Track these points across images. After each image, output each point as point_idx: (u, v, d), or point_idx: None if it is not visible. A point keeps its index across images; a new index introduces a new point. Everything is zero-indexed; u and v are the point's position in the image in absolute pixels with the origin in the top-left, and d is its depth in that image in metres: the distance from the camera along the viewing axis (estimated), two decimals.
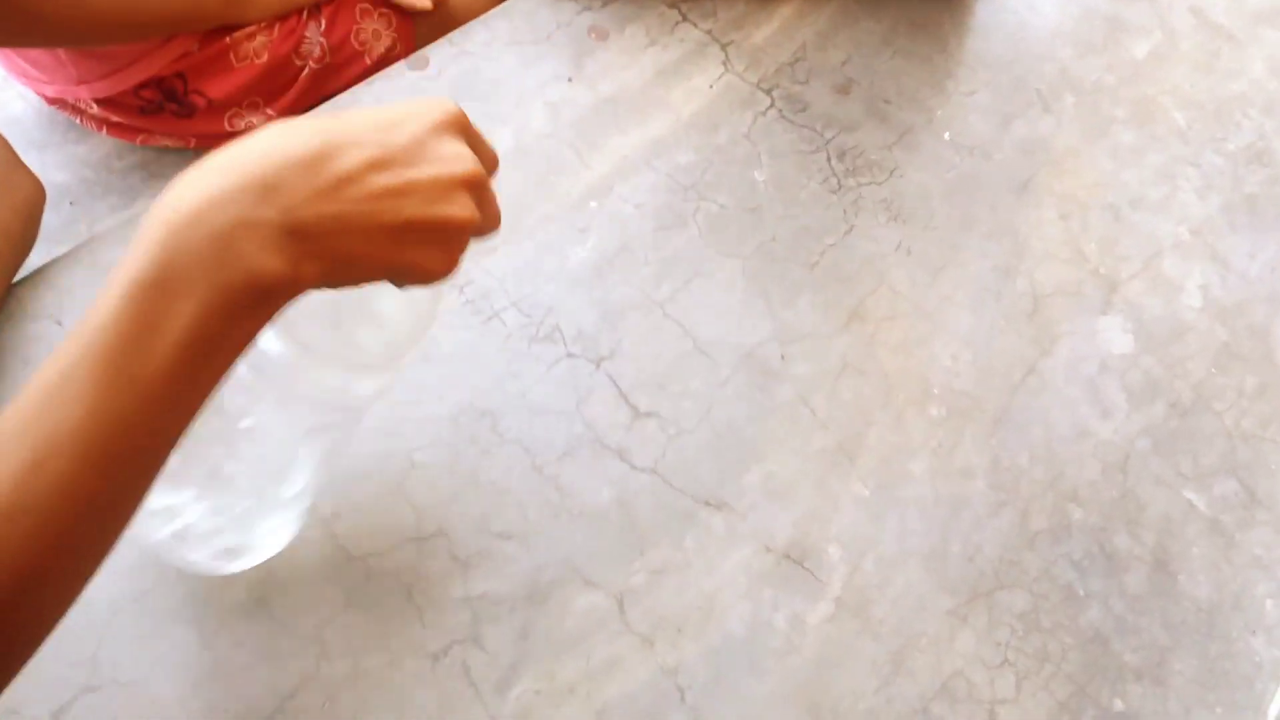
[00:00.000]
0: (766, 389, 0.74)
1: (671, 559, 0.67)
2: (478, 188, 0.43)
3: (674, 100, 0.87)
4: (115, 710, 0.59)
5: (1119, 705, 0.67)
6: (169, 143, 0.97)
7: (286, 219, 0.36)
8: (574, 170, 0.82)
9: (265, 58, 0.91)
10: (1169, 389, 0.79)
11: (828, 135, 0.87)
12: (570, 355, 0.73)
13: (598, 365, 0.73)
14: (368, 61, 0.97)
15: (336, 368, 0.52)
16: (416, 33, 0.99)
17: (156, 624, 0.61)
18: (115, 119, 0.93)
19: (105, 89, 0.88)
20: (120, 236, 0.74)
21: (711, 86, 0.88)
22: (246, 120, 0.94)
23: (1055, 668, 0.67)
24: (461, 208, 0.41)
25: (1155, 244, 0.85)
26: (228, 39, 0.89)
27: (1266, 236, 0.87)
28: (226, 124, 0.94)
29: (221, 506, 0.56)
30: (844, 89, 0.89)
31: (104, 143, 0.99)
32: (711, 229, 0.80)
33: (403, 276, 0.42)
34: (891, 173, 0.85)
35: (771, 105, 0.88)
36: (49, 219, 0.77)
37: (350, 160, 0.38)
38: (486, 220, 0.44)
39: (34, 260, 0.75)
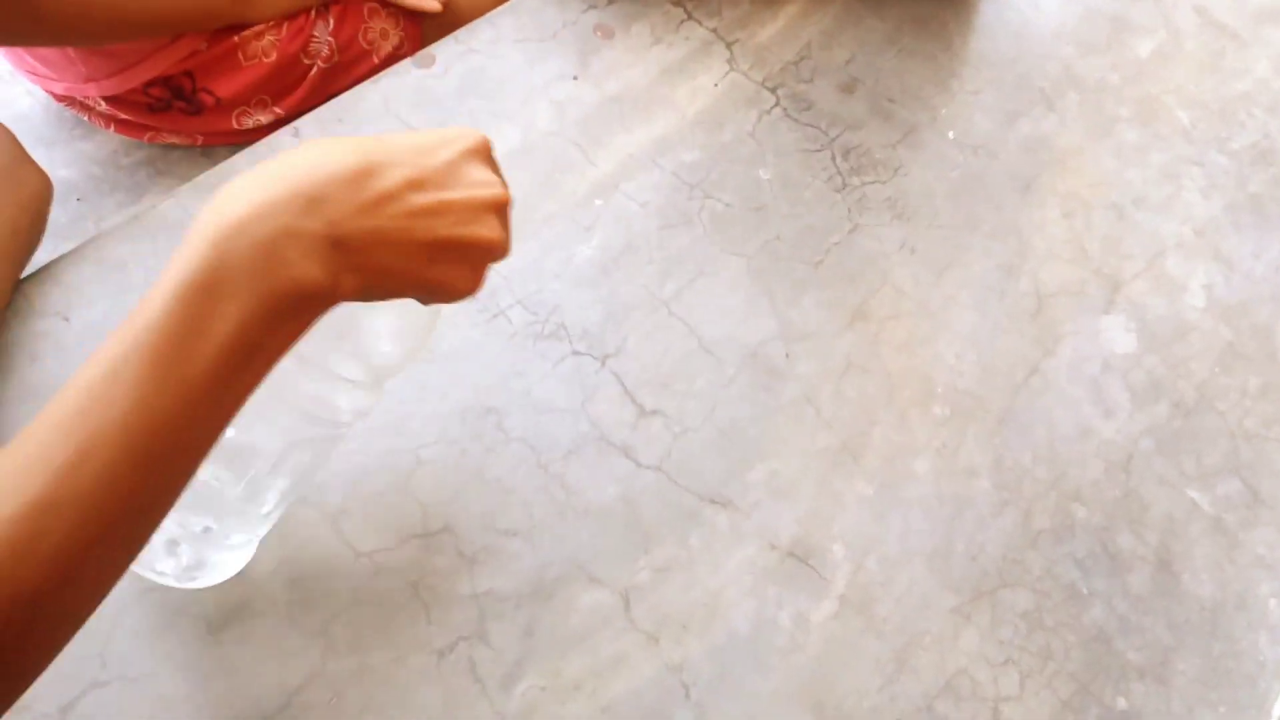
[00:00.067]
0: (771, 387, 0.74)
1: (676, 557, 0.68)
2: (503, 212, 0.45)
3: (679, 99, 0.87)
4: (123, 705, 0.59)
5: (1122, 704, 0.67)
6: (176, 140, 0.97)
7: (330, 231, 0.38)
8: (579, 168, 0.82)
9: (273, 56, 0.91)
10: (1172, 389, 0.79)
11: (832, 134, 0.87)
12: (575, 353, 0.74)
13: (603, 363, 0.73)
14: (375, 60, 0.97)
15: (329, 381, 0.53)
16: (424, 31, 0.99)
17: (164, 620, 0.62)
18: (123, 116, 0.93)
19: (114, 87, 0.88)
20: (128, 233, 0.74)
21: (716, 85, 0.88)
22: (254, 118, 0.95)
23: (1059, 666, 0.67)
24: (490, 229, 0.44)
25: (1159, 243, 0.86)
26: (236, 38, 0.89)
27: (1270, 236, 0.87)
28: (234, 122, 0.94)
29: (194, 520, 0.57)
30: (848, 88, 0.90)
31: (111, 139, 0.99)
32: (716, 227, 0.80)
33: (432, 293, 0.43)
34: (896, 171, 0.85)
35: (776, 104, 0.88)
36: (56, 215, 0.78)
37: (391, 179, 0.40)
38: (501, 250, 0.47)
39: (41, 257, 0.75)
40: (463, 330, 0.73)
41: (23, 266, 0.73)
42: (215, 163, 0.80)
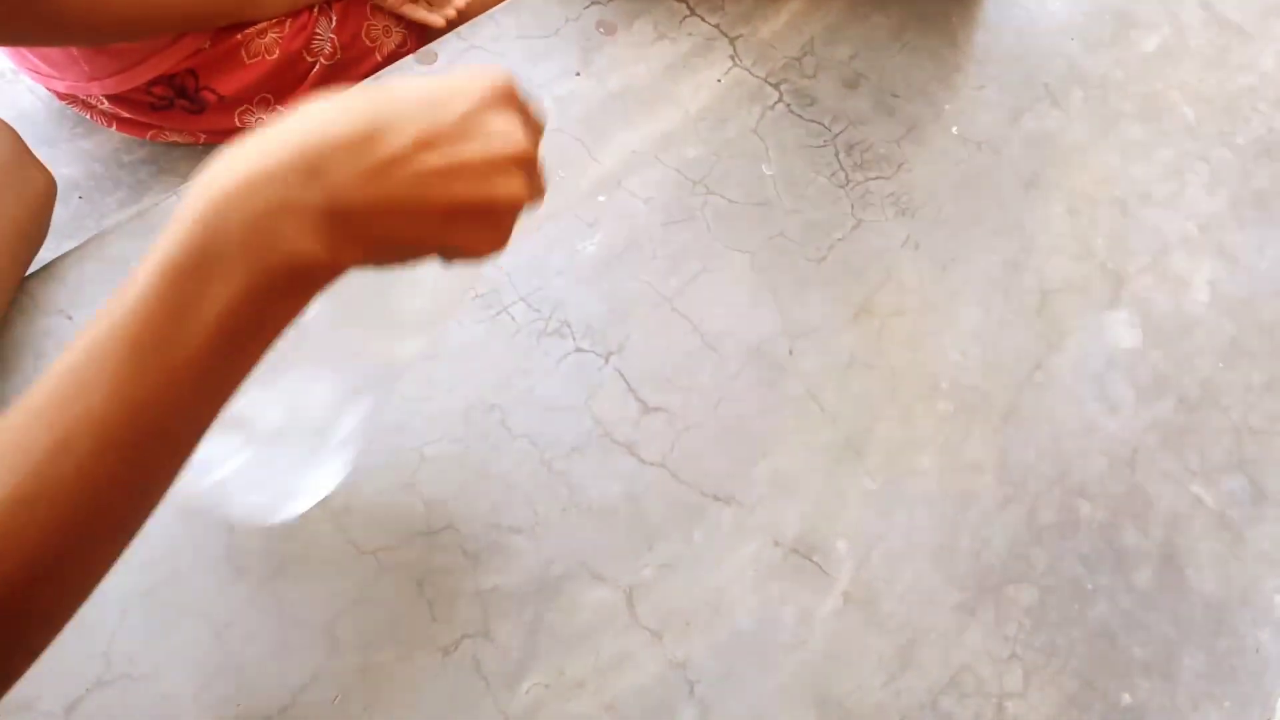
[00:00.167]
0: (775, 383, 0.74)
1: (680, 553, 0.67)
2: (527, 164, 0.41)
3: (682, 95, 0.87)
4: (128, 704, 0.59)
5: (1127, 699, 0.67)
6: (178, 138, 0.97)
7: (330, 203, 0.35)
8: (582, 164, 0.82)
9: (276, 54, 0.91)
10: (1177, 384, 0.79)
11: (836, 129, 0.86)
12: (579, 350, 0.74)
13: (606, 360, 0.73)
14: (378, 58, 0.97)
15: (377, 330, 0.51)
16: (426, 29, 0.99)
17: (169, 618, 0.62)
18: (125, 115, 0.93)
19: (117, 85, 0.88)
20: (130, 231, 0.74)
21: (720, 81, 0.88)
22: (257, 117, 0.95)
23: (1063, 662, 0.67)
24: (512, 186, 0.40)
25: (1163, 239, 0.85)
26: (239, 36, 0.89)
27: (1275, 231, 0.87)
28: (237, 120, 0.94)
29: (266, 456, 0.56)
30: (852, 83, 0.89)
31: (113, 137, 1.00)
32: (720, 223, 0.80)
33: (452, 256, 0.40)
34: (900, 167, 0.85)
35: (780, 99, 0.88)
36: (58, 213, 0.78)
37: (397, 140, 0.37)
38: (534, 194, 0.43)
39: (43, 255, 0.75)
40: (466, 328, 0.73)
41: (27, 265, 0.73)
42: None
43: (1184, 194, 0.88)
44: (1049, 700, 0.66)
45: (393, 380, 0.58)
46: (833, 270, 0.79)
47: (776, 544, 0.68)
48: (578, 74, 0.86)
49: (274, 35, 0.90)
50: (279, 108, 0.95)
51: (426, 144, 0.37)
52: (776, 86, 0.88)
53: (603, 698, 0.63)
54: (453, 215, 0.38)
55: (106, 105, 0.92)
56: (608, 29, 0.89)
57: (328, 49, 0.94)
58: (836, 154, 0.85)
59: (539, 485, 0.68)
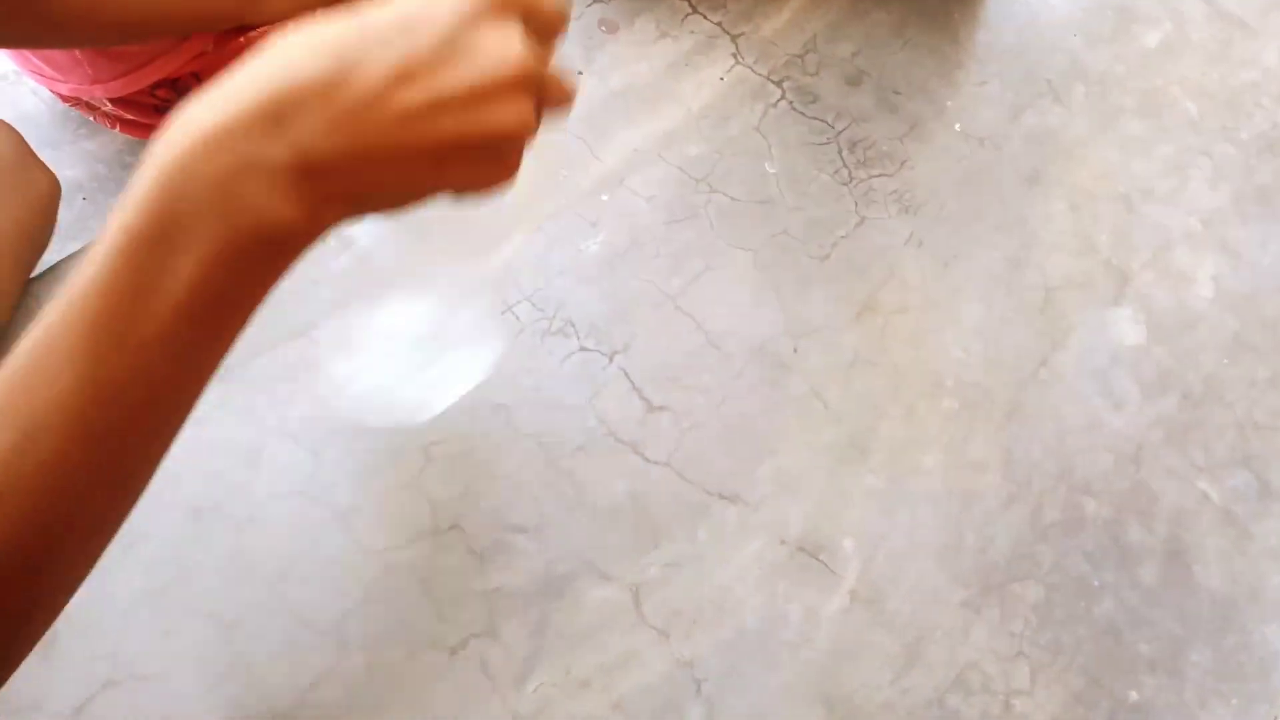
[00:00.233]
0: (778, 382, 0.74)
1: (685, 552, 0.68)
2: (530, 82, 0.34)
3: (684, 92, 0.87)
4: (136, 705, 0.59)
5: (1134, 696, 0.67)
6: None
7: (298, 158, 0.31)
8: (585, 163, 0.82)
9: None
10: (1181, 380, 0.79)
11: (838, 127, 0.86)
12: (583, 349, 0.74)
13: (610, 359, 0.73)
14: None
15: (457, 245, 0.48)
16: None
17: (176, 618, 0.62)
18: (129, 117, 0.93)
19: (121, 88, 0.88)
20: None
21: (722, 79, 0.88)
22: None
23: (1069, 659, 0.67)
24: (509, 114, 0.34)
25: (1166, 235, 0.85)
26: (242, 39, 0.89)
27: (1278, 227, 0.87)
28: None
29: (397, 361, 0.54)
30: (854, 80, 0.89)
31: (116, 139, 1.00)
32: (723, 221, 0.80)
33: (454, 196, 0.35)
34: (902, 164, 0.85)
35: (782, 97, 0.88)
36: (62, 215, 0.78)
37: (370, 77, 0.31)
38: (557, 101, 0.38)
39: (48, 257, 0.75)
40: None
41: (32, 267, 0.73)
42: None
43: (1187, 189, 0.88)
44: (1055, 698, 0.66)
45: (502, 281, 0.56)
46: (836, 268, 0.79)
47: (782, 542, 0.69)
48: (580, 72, 0.86)
49: None
50: None
51: (405, 77, 0.32)
52: (779, 84, 0.88)
53: (610, 696, 0.63)
54: (443, 156, 0.33)
55: (110, 108, 0.92)
56: (610, 27, 0.89)
57: None
58: (839, 151, 0.85)
59: (544, 484, 0.68)
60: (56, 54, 0.88)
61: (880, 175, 0.85)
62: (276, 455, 0.67)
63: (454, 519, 0.67)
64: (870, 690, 0.65)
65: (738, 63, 0.89)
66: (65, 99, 0.95)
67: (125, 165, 1.00)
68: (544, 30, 0.36)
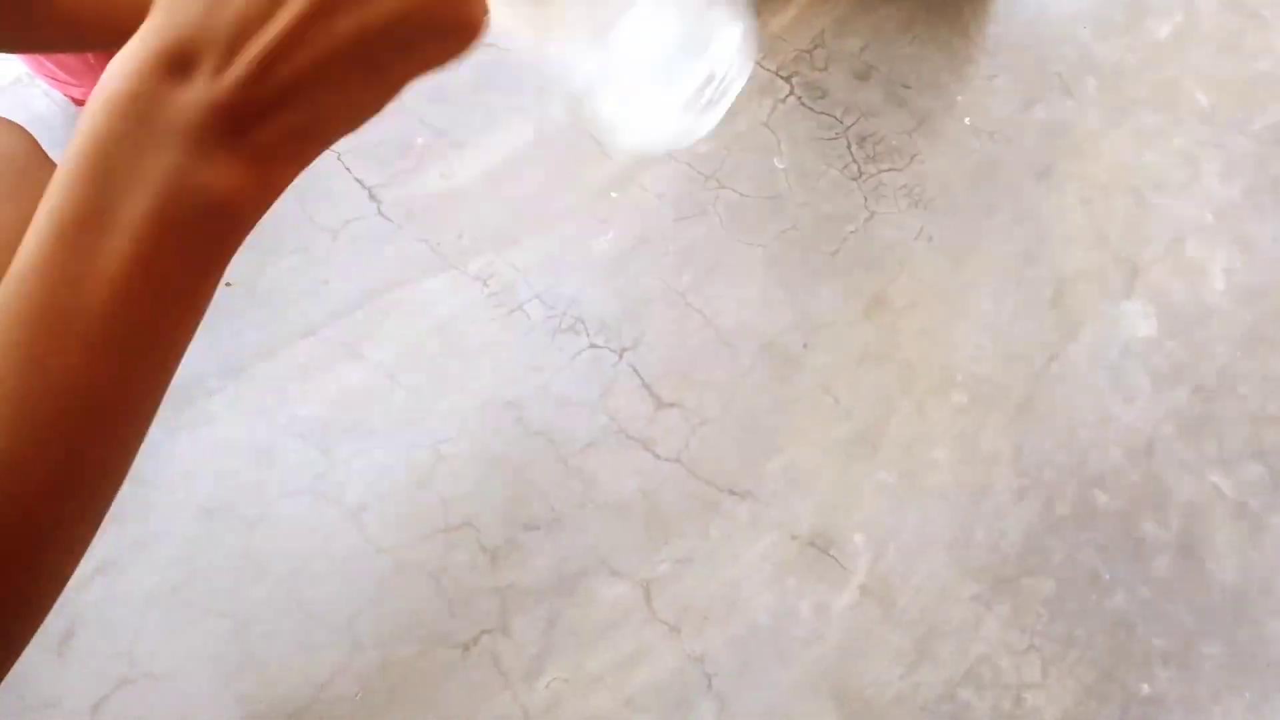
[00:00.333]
0: (789, 378, 0.74)
1: (696, 548, 0.68)
2: None
3: None
4: (152, 702, 0.60)
5: (1146, 689, 0.67)
6: None
7: (223, 99, 0.26)
8: (595, 161, 0.82)
9: None
10: (1193, 373, 0.78)
11: (847, 122, 0.86)
12: (593, 346, 0.74)
13: (620, 356, 0.73)
14: None
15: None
16: None
17: (191, 617, 0.62)
18: None
19: None
20: None
21: None
22: None
23: (1081, 653, 0.67)
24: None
25: (1178, 227, 0.85)
26: None
27: None
28: None
29: (657, 73, 0.53)
30: (863, 75, 0.89)
31: None
32: (732, 218, 0.80)
33: (423, 71, 0.29)
34: (912, 158, 0.85)
35: (791, 92, 0.87)
36: None
37: (289, 9, 0.26)
38: None
39: None
40: (481, 325, 0.73)
41: None
42: None
43: (1199, 181, 0.88)
44: (1068, 691, 0.66)
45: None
46: (846, 263, 0.79)
47: (792, 538, 0.69)
48: None
49: None
50: None
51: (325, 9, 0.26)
52: (787, 79, 0.88)
53: (622, 692, 0.63)
54: (374, 48, 0.27)
55: None
56: None
57: None
58: (848, 146, 0.85)
59: (554, 481, 0.69)
60: (69, 58, 0.88)
61: (890, 170, 0.84)
62: (287, 454, 0.67)
63: (465, 516, 0.67)
64: (881, 685, 0.65)
65: None
66: (78, 103, 0.95)
67: None
68: None
